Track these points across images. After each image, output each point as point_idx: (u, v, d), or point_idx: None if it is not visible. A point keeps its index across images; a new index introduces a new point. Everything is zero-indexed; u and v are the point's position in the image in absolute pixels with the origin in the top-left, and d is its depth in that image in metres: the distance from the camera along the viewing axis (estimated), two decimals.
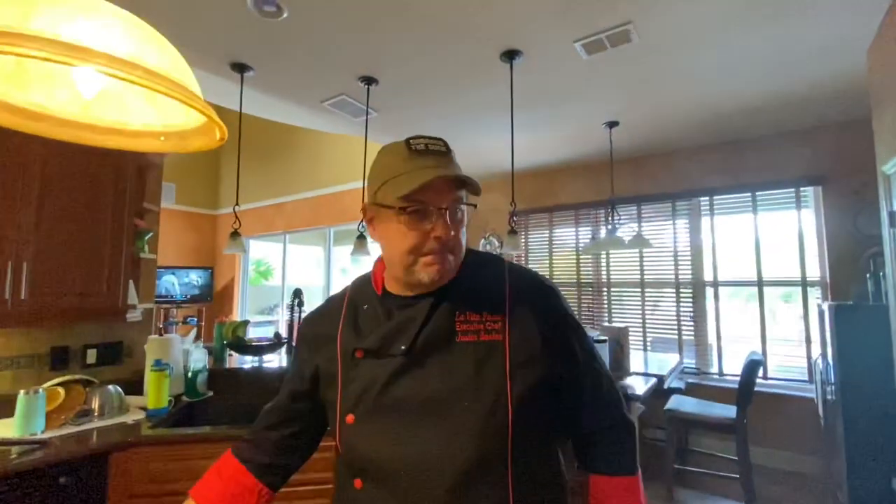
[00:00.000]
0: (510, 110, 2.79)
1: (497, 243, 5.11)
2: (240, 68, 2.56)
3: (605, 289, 4.48)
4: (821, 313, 3.05)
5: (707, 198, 3.93)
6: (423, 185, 0.65)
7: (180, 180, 6.86)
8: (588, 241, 4.41)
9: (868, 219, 3.09)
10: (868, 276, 2.87)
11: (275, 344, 2.42)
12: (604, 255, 4.49)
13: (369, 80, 2.72)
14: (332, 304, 0.85)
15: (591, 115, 3.31)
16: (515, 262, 0.84)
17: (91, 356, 2.14)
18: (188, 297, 6.46)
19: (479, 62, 2.51)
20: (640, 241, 3.52)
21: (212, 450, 1.71)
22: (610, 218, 3.66)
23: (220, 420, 2.04)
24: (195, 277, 6.58)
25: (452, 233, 0.71)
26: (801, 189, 3.53)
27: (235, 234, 2.56)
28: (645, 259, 4.24)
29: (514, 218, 2.55)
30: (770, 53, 2.41)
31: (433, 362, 0.70)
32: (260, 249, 7.79)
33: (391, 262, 0.75)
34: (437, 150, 0.70)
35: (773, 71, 2.61)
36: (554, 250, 4.87)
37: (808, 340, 3.46)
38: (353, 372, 0.74)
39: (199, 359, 2.13)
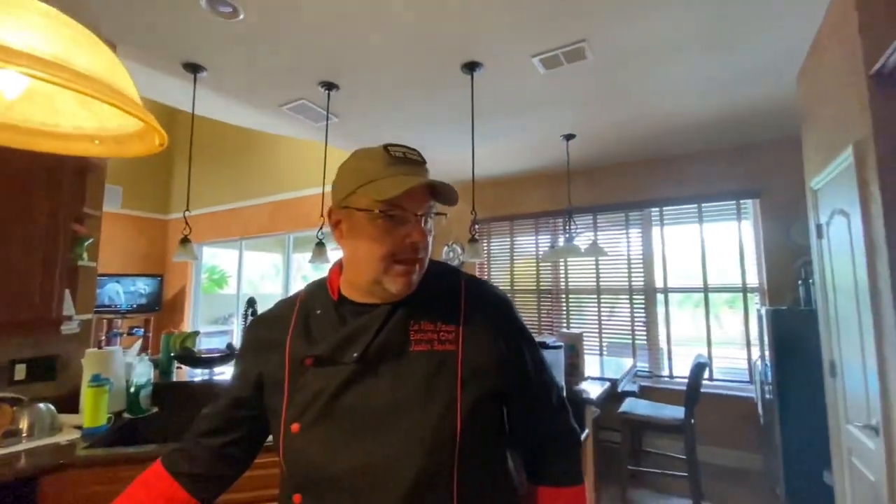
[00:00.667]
0: (471, 120, 2.84)
1: (460, 251, 5.15)
2: (192, 69, 2.47)
3: (563, 295, 4.61)
4: (759, 318, 3.26)
5: (657, 209, 4.13)
6: (409, 190, 0.66)
7: (128, 183, 6.49)
8: (547, 249, 4.52)
9: (800, 230, 3.34)
10: (800, 282, 3.10)
11: (227, 355, 2.32)
12: (562, 263, 4.61)
13: (330, 86, 2.69)
14: (282, 308, 0.82)
15: (549, 128, 3.41)
16: (471, 274, 0.84)
17: (20, 371, 1.97)
18: (134, 306, 6.10)
19: (441, 72, 2.54)
20: (595, 250, 3.65)
21: None
22: (567, 227, 3.77)
23: (166, 437, 1.93)
24: (142, 286, 6.23)
25: (427, 238, 0.72)
26: (741, 201, 3.78)
27: (186, 241, 2.45)
28: (601, 267, 4.39)
29: (476, 226, 2.59)
30: (712, 74, 2.58)
31: (385, 371, 0.69)
32: (214, 256, 7.48)
33: (357, 268, 0.73)
34: (414, 160, 0.72)
35: (715, 91, 2.79)
36: (515, 258, 4.96)
37: (749, 343, 3.69)
38: (301, 379, 0.71)
39: (142, 372, 2.01)
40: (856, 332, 1.85)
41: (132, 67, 2.48)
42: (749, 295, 3.74)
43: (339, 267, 0.80)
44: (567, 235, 3.71)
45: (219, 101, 2.93)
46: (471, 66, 2.46)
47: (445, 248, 5.25)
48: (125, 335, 5.82)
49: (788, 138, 3.48)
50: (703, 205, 3.93)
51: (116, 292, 5.99)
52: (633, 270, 4.22)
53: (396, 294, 0.71)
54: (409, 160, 0.71)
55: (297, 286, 6.58)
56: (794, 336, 2.72)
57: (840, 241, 1.98)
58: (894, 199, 1.52)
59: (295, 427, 0.69)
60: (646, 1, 1.94)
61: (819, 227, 2.29)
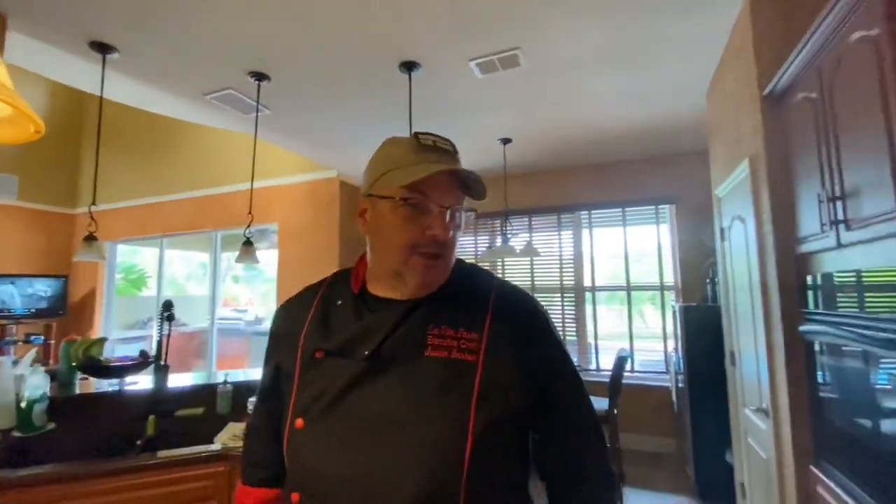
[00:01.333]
0: (409, 119, 2.83)
1: None
2: (101, 48, 2.24)
3: None
4: (674, 313, 3.54)
5: (587, 212, 4.37)
6: (430, 176, 0.63)
7: (26, 172, 5.76)
8: (485, 249, 4.62)
9: (708, 234, 3.67)
10: (708, 281, 3.41)
11: (140, 363, 2.13)
12: (499, 263, 4.74)
13: (260, 76, 2.56)
14: (304, 296, 0.79)
15: (486, 131, 3.49)
16: (505, 280, 0.79)
17: None
18: (32, 310, 5.43)
19: (379, 70, 2.51)
20: (530, 250, 3.78)
21: (55, 492, 1.45)
22: (504, 228, 3.88)
23: (66, 456, 1.74)
24: (42, 288, 5.55)
25: (450, 233, 0.67)
26: (660, 207, 4.09)
27: (91, 238, 2.22)
28: (535, 267, 4.57)
29: None
30: (633, 88, 2.77)
31: (395, 374, 0.64)
32: (133, 254, 6.85)
33: (379, 259, 0.70)
34: (444, 149, 0.68)
35: (638, 104, 3.00)
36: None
37: (665, 337, 4.01)
38: (311, 373, 0.68)
39: (36, 385, 1.79)
40: (750, 325, 2.06)
41: (28, 43, 2.21)
42: (666, 293, 4.06)
43: (365, 257, 0.78)
44: (504, 236, 3.81)
45: (133, 86, 2.69)
46: (409, 66, 2.45)
47: None
48: (20, 343, 5.17)
49: (701, 150, 3.81)
50: (626, 209, 4.21)
51: (10, 295, 5.30)
52: (564, 270, 4.43)
53: (416, 287, 0.68)
54: (438, 148, 0.68)
55: (229, 287, 6.22)
56: (702, 330, 2.99)
57: (738, 244, 2.21)
58: (781, 207, 1.71)
59: (299, 422, 0.66)
60: (570, 15, 2.04)
61: (722, 230, 2.53)
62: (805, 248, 1.58)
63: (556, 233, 4.51)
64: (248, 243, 2.45)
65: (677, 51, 2.35)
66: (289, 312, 0.78)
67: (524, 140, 3.68)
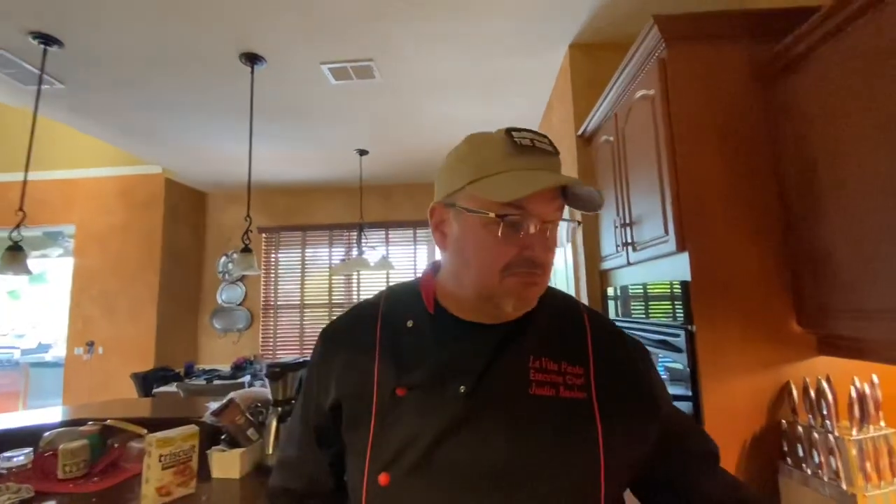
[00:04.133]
0: (250, 116, 2.57)
1: None
2: None
3: None
4: None
5: None
6: (537, 192, 0.52)
7: None
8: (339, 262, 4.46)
9: None
10: None
11: None
12: (355, 277, 4.61)
13: (48, 40, 2.05)
14: (361, 316, 0.65)
15: (342, 140, 3.39)
16: (588, 306, 0.69)
17: None
18: None
19: (215, 56, 2.23)
20: (385, 264, 3.76)
21: None
22: (359, 240, 3.79)
23: None
24: None
25: (551, 252, 0.57)
26: None
27: None
28: (391, 280, 4.56)
29: (249, 234, 2.32)
30: (485, 116, 3.00)
31: (500, 416, 0.53)
32: None
33: (464, 280, 0.58)
34: (544, 149, 0.56)
35: (482, 129, 3.24)
36: (307, 270, 4.72)
37: None
38: (392, 414, 0.55)
39: None
40: None
41: None
42: None
43: (432, 271, 0.66)
44: (359, 248, 3.73)
45: None
46: (251, 58, 2.24)
47: (224, 258, 4.62)
48: None
49: None
50: None
51: None
52: None
53: (512, 313, 0.57)
54: (537, 149, 0.55)
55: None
56: None
57: (559, 259, 2.52)
58: (590, 231, 2.00)
59: (384, 478, 0.53)
60: (424, 39, 2.11)
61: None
62: (606, 265, 1.86)
63: (411, 247, 4.59)
64: (15, 248, 1.87)
65: (517, 87, 2.62)
66: (344, 337, 0.64)
67: (381, 153, 3.68)
